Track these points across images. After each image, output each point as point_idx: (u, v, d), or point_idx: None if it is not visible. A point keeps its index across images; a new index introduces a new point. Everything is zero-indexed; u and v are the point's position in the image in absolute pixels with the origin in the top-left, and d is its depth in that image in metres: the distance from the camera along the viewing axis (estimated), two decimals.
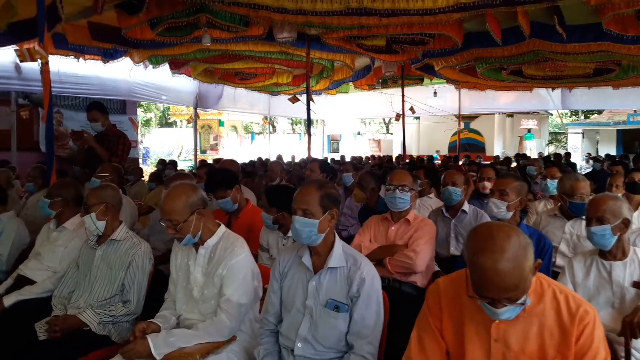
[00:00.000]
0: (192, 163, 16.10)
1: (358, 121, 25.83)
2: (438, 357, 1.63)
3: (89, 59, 9.05)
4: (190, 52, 8.95)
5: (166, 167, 9.16)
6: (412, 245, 2.79)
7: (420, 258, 2.76)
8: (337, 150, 23.57)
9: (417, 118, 23.69)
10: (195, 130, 13.42)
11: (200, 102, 12.41)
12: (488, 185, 4.30)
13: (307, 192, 1.94)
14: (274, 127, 31.64)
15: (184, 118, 25.33)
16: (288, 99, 9.39)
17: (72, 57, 8.78)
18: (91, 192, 2.69)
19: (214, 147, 25.00)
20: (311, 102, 8.44)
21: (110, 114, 11.47)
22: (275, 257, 3.06)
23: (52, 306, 2.66)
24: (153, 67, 10.22)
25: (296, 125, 32.35)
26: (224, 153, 21.99)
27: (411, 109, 12.57)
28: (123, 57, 9.13)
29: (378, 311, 1.90)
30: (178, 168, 9.38)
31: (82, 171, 5.30)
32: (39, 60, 4.82)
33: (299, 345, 1.91)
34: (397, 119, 12.25)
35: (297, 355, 1.91)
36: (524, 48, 8.04)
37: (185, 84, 11.98)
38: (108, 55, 8.81)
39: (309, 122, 8.40)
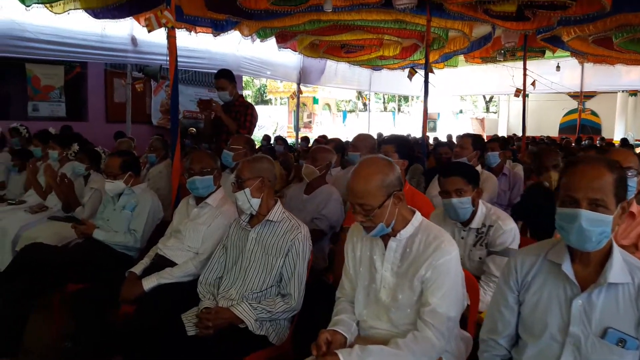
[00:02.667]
0: (291, 140, 15.98)
1: (457, 99, 24.43)
2: None
3: (200, 31, 8.98)
4: (301, 24, 8.61)
5: (275, 142, 8.92)
6: None
7: None
8: (433, 129, 22.45)
9: (527, 96, 21.90)
10: (298, 106, 13.16)
11: (303, 77, 12.09)
12: None
13: (596, 173, 1.33)
14: (364, 105, 30.98)
15: (280, 95, 25.52)
16: (407, 76, 8.75)
17: (184, 29, 8.73)
18: (245, 165, 2.29)
19: (308, 125, 24.94)
20: (430, 75, 7.70)
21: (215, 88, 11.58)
22: None
23: (199, 294, 2.32)
24: (261, 41, 10.05)
25: (389, 103, 31.43)
26: (319, 131, 21.80)
27: (533, 83, 11.37)
28: (232, 30, 9.00)
29: None
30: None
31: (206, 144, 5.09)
32: (165, 27, 4.61)
33: None
34: (516, 95, 11.12)
35: None
36: None
37: (290, 59, 11.70)
38: (219, 28, 8.70)
39: (425, 97, 7.69)
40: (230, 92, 4.47)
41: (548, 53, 12.39)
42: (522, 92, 10.85)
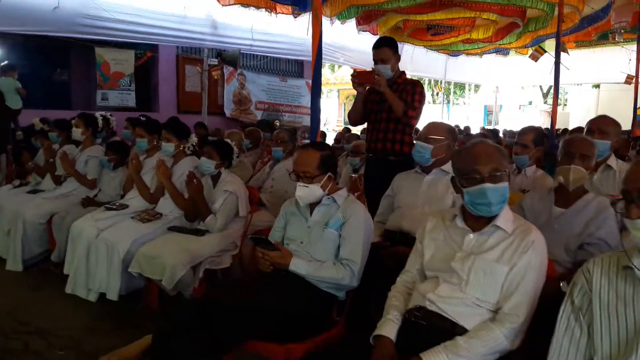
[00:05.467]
0: None
1: (519, 90, 22.87)
2: None
3: (279, 12, 8.05)
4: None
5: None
6: None
7: None
8: (492, 122, 21.04)
9: (597, 87, 20.37)
10: None
11: None
12: None
13: None
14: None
15: (330, 87, 24.47)
16: (529, 56, 7.57)
17: (264, 9, 7.81)
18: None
19: None
20: (564, 57, 6.53)
21: (287, 76, 10.65)
22: None
23: None
24: (341, 23, 9.08)
25: (438, 94, 30.00)
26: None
27: None
28: None
29: None
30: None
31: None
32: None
33: None
34: (627, 82, 9.81)
35: None
36: None
37: (367, 44, 10.63)
38: (302, 7, 7.76)
39: (556, 82, 6.53)
40: (392, 66, 3.45)
41: None
42: (634, 80, 9.51)
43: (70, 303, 3.34)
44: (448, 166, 2.67)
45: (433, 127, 2.73)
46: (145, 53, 8.16)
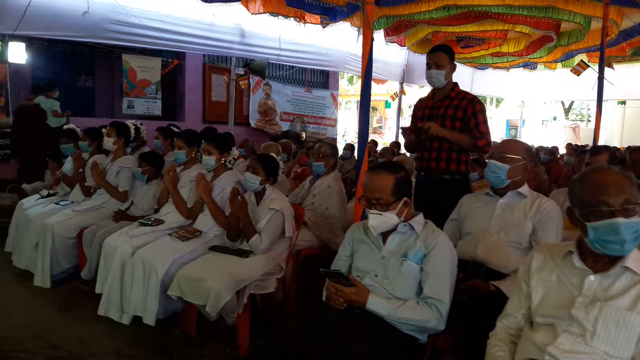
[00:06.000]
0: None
1: (541, 105, 22.50)
2: None
3: (308, 22, 7.89)
4: (431, 10, 7.40)
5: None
6: None
7: None
8: (514, 138, 20.71)
9: (623, 103, 19.94)
10: (399, 108, 11.99)
11: (407, 75, 10.82)
12: None
13: None
14: None
15: (348, 98, 24.32)
16: (571, 70, 7.34)
17: (293, 18, 7.65)
18: None
19: (377, 130, 23.60)
20: (609, 72, 6.26)
21: (312, 87, 10.46)
22: None
23: None
24: None
25: None
26: (391, 137, 20.51)
27: None
28: (342, 21, 7.91)
29: None
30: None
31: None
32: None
33: None
34: None
35: None
36: None
37: (394, 56, 10.45)
38: (332, 16, 7.58)
39: (599, 97, 6.24)
40: (447, 74, 3.21)
41: None
42: None
43: (101, 325, 3.13)
44: (525, 189, 2.43)
45: (509, 144, 2.48)
46: (172, 61, 8.03)
